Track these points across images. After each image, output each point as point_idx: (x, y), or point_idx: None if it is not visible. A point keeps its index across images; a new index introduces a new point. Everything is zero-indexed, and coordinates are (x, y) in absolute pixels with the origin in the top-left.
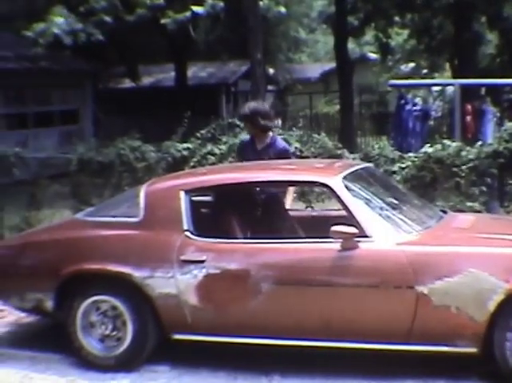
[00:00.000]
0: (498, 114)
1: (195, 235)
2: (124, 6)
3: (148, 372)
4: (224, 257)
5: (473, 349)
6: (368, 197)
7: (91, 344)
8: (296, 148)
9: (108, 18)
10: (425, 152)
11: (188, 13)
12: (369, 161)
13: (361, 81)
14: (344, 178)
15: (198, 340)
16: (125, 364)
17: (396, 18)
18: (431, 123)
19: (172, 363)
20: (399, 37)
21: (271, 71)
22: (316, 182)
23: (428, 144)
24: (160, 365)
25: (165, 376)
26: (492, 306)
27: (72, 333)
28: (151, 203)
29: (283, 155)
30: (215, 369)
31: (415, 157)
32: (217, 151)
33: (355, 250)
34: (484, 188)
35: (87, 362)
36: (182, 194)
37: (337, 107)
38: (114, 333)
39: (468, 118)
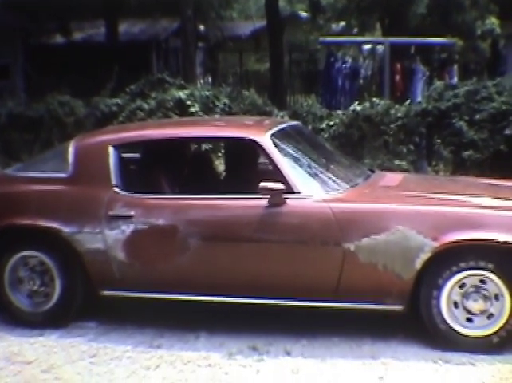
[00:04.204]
0: (428, 73)
1: (124, 191)
2: None
3: (76, 328)
4: (152, 212)
5: (400, 307)
6: (296, 154)
7: (19, 300)
8: (225, 104)
9: None
10: (354, 110)
11: None
12: (298, 119)
13: (292, 40)
14: (273, 135)
15: (126, 296)
16: (53, 320)
17: None
18: (361, 81)
19: (100, 319)
20: None
21: (202, 28)
22: (244, 138)
23: (357, 102)
24: (88, 322)
25: (93, 332)
26: (419, 263)
27: None
28: (79, 158)
29: None
30: (142, 326)
31: (344, 115)
32: (146, 106)
33: (282, 207)
34: (412, 147)
35: (15, 318)
36: (111, 149)
37: (268, 65)
38: (42, 288)
39: (397, 77)
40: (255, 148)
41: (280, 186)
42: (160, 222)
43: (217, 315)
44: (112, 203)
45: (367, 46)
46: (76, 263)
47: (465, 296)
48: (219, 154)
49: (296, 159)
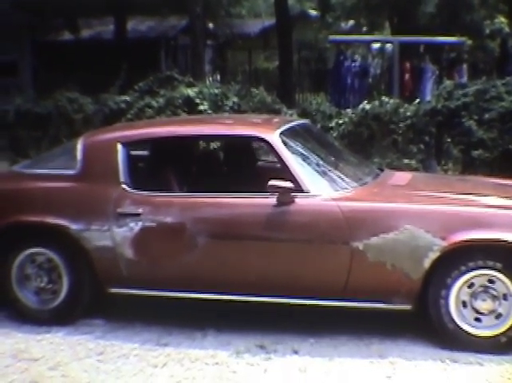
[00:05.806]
0: (438, 72)
1: (132, 188)
2: None
3: (83, 325)
4: (160, 210)
5: (408, 306)
6: (305, 153)
7: (26, 297)
8: (234, 102)
9: None
10: (363, 109)
11: None
12: (307, 117)
13: (301, 38)
14: (282, 133)
15: (134, 294)
16: (60, 317)
17: None
18: (370, 80)
19: (107, 317)
20: None
21: (211, 26)
22: (254, 136)
23: (366, 101)
24: (95, 319)
25: (100, 329)
26: (427, 263)
27: (7, 285)
28: (88, 155)
29: None
30: (150, 324)
31: (353, 113)
32: (154, 104)
33: (291, 205)
34: (421, 146)
35: (22, 315)
36: (119, 146)
37: (277, 63)
38: (50, 286)
39: (406, 76)
40: (264, 146)
41: (289, 184)
42: (168, 220)
43: (224, 313)
44: (121, 201)
45: (376, 45)
46: (84, 260)
47: (473, 296)
48: None
49: (305, 158)
